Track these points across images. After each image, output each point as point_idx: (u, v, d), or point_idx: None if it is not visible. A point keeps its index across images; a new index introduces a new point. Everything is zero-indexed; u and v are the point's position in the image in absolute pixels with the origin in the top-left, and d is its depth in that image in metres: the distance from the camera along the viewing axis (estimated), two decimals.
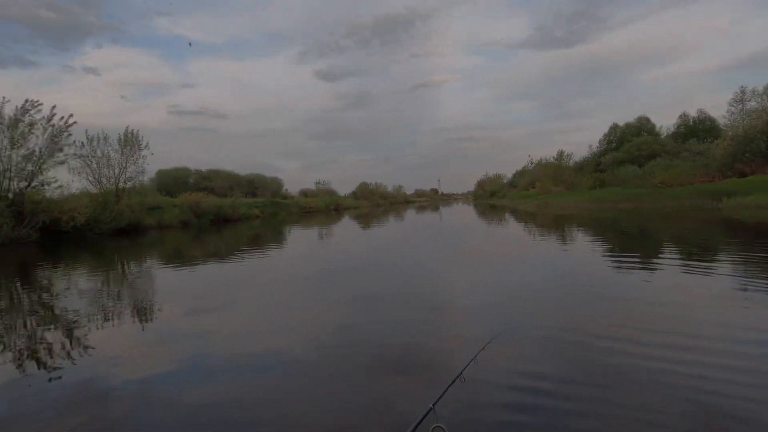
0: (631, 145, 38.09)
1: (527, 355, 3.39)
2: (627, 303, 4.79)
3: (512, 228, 17.68)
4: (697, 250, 8.87)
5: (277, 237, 18.65)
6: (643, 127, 41.74)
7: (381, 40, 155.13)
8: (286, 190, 58.65)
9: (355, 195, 73.53)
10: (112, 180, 24.11)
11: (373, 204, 68.21)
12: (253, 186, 53.47)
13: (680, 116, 40.41)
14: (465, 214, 33.70)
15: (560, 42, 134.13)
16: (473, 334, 3.92)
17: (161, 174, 46.89)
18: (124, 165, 24.43)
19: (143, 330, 4.88)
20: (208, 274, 9.24)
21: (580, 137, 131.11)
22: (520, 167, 69.53)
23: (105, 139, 24.01)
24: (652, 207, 22.83)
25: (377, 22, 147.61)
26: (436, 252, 10.83)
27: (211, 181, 49.85)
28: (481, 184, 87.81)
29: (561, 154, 54.05)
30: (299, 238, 18.55)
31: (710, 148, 29.44)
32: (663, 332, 3.71)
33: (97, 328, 4.87)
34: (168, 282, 8.42)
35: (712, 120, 37.76)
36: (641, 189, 27.75)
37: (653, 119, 43.01)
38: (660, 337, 3.58)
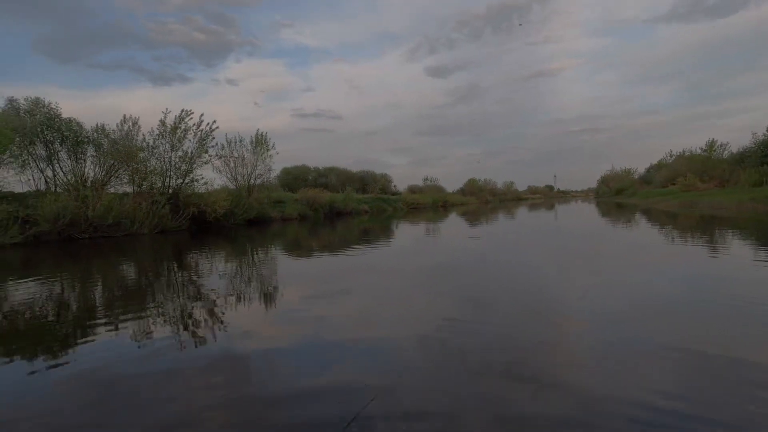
0: None
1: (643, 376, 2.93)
2: None
3: (646, 230, 15.32)
4: None
5: (384, 231, 19.13)
6: None
7: (494, 29, 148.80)
8: (395, 186, 60.19)
9: (462, 191, 72.16)
10: (245, 177, 27.31)
11: (481, 201, 66.16)
12: (364, 182, 56.03)
13: None
14: (585, 212, 30.51)
15: (711, 11, 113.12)
16: (583, 345, 3.69)
17: (285, 171, 51.94)
18: (255, 164, 27.50)
19: (268, 310, 5.46)
20: (323, 263, 9.90)
21: (739, 123, 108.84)
22: (655, 161, 60.69)
23: (240, 141, 27.30)
24: None
25: (490, 10, 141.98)
26: (548, 254, 9.90)
27: (326, 178, 53.62)
28: (605, 180, 78.85)
29: (712, 143, 45.64)
30: (405, 232, 18.78)
31: None
32: None
33: (232, 307, 5.51)
34: (288, 268, 9.26)
35: None
36: None
37: None
38: None
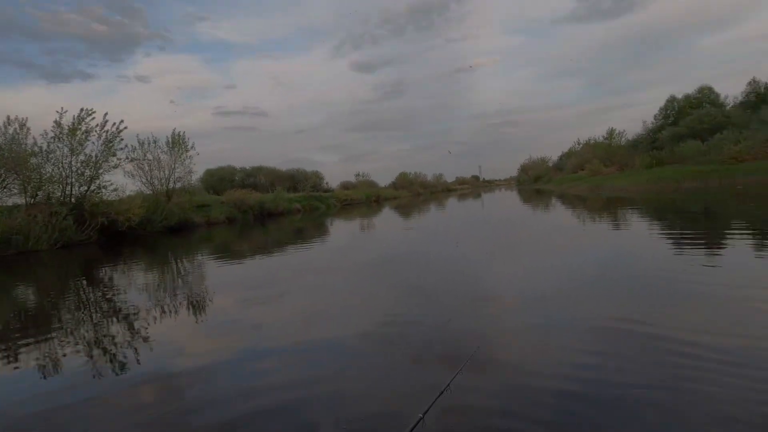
0: (692, 119, 35.01)
1: (572, 348, 3.17)
2: (679, 295, 4.23)
3: (560, 213, 16.72)
4: None
5: (319, 229, 18.78)
6: (705, 98, 38.27)
7: (415, 27, 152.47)
8: (326, 183, 59.41)
9: (394, 185, 73.27)
10: (162, 181, 25.20)
11: (413, 193, 67.68)
12: (294, 181, 54.56)
13: (749, 83, 36.63)
14: (508, 200, 32.54)
15: (607, 13, 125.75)
16: (517, 324, 3.89)
17: (208, 173, 48.86)
18: (173, 166, 25.44)
19: (199, 321, 5.05)
20: (256, 267, 9.42)
21: (633, 114, 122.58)
22: (566, 149, 66.37)
23: (155, 142, 25.08)
24: (720, 185, 20.86)
25: (410, 8, 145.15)
26: (478, 241, 10.42)
27: (255, 178, 51.39)
28: (524, 169, 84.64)
29: (612, 132, 50.91)
30: (340, 229, 18.61)
31: None
32: (720, 333, 3.15)
33: (157, 321, 5.00)
34: (219, 275, 8.64)
35: None
36: (706, 166, 25.46)
37: (716, 89, 39.34)
38: (718, 339, 3.05)
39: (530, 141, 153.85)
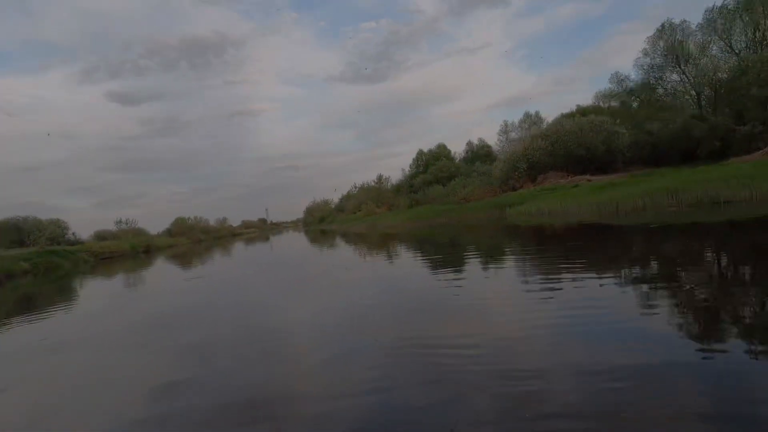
0: (435, 168, 44.38)
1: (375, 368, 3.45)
2: (444, 310, 5.15)
3: (344, 251, 18.01)
4: (493, 252, 10.63)
5: (60, 294, 14.47)
6: (441, 152, 49.30)
7: (190, 64, 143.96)
8: (74, 233, 47.44)
9: (170, 232, 64.61)
10: None
11: (193, 240, 60.98)
12: (21, 233, 41.45)
13: (467, 143, 49.43)
14: (296, 241, 33.10)
15: (369, 78, 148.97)
16: (313, 362, 3.88)
17: None
18: None
19: None
20: None
21: (395, 162, 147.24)
22: (345, 192, 73.14)
23: None
24: (459, 220, 26.77)
25: (184, 44, 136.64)
26: (270, 285, 10.07)
27: None
28: (309, 211, 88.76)
29: (380, 178, 59.22)
30: (97, 289, 14.89)
31: (491, 169, 36.66)
32: (477, 334, 3.96)
33: None
34: None
35: (488, 146, 47.36)
36: (448, 205, 32.37)
37: (449, 146, 51.35)
38: (474, 339, 3.82)
39: (313, 185, 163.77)
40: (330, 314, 5.72)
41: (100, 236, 49.25)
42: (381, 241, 19.73)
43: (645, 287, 5.10)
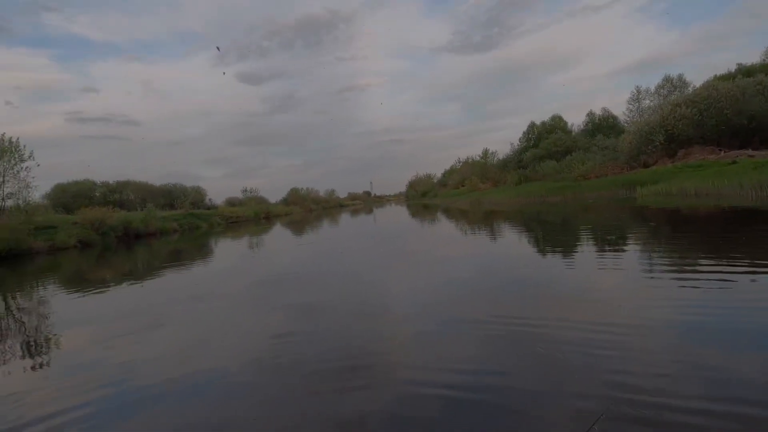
0: (548, 142, 40.68)
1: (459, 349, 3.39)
2: (551, 292, 4.86)
3: (447, 226, 17.53)
4: (611, 237, 9.13)
5: (200, 251, 16.75)
6: (557, 125, 44.90)
7: (304, 42, 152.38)
8: (210, 199, 54.69)
9: (285, 201, 70.88)
10: None
11: (305, 210, 66.13)
12: (171, 197, 49.11)
13: (588, 114, 44.12)
14: (399, 215, 33.54)
15: (478, 47, 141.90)
16: (409, 333, 3.92)
17: (59, 188, 41.27)
18: (1, 180, 20.55)
19: (49, 365, 4.04)
20: (122, 296, 7.84)
21: (503, 136, 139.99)
22: (448, 167, 71.78)
23: None
24: (574, 199, 24.26)
25: (298, 23, 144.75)
26: (373, 255, 10.24)
27: (120, 194, 44.85)
28: (412, 185, 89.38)
29: (486, 152, 56.57)
30: (227, 249, 16.91)
31: (616, 143, 32.25)
32: (585, 321, 3.65)
33: None
34: (71, 309, 6.91)
35: (614, 117, 41.69)
36: (562, 182, 29.52)
37: (565, 118, 46.50)
38: (584, 325, 3.55)
39: (417, 159, 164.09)
40: (429, 289, 5.69)
41: (230, 202, 56.20)
42: (484, 218, 18.81)
43: None
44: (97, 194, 43.25)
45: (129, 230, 26.68)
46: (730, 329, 3.21)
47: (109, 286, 9.18)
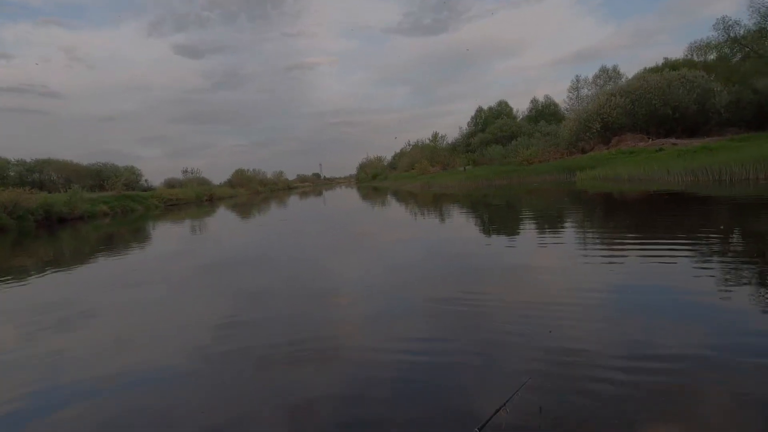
0: (494, 127, 41.93)
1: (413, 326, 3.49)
2: (495, 271, 5.10)
3: (396, 209, 17.58)
4: (552, 219, 9.65)
5: (137, 235, 15.53)
6: (503, 110, 46.35)
7: (248, 15, 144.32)
8: (146, 180, 50.89)
9: (230, 183, 67.71)
10: None
11: (251, 192, 63.63)
12: (102, 178, 45.04)
13: (531, 101, 45.93)
14: (348, 197, 33.23)
15: (428, 29, 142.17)
16: (359, 314, 3.93)
17: None
18: None
19: None
20: (47, 286, 7.03)
21: (451, 120, 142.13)
22: (398, 150, 72.02)
23: None
24: (520, 183, 25.22)
25: None
26: (322, 238, 10.06)
27: (41, 174, 40.50)
28: (362, 167, 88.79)
29: (435, 136, 57.31)
30: (166, 233, 15.83)
31: (557, 129, 33.85)
32: (525, 300, 3.85)
33: None
34: None
35: (555, 105, 43.71)
36: (508, 166, 30.59)
37: (511, 104, 48.05)
38: (522, 303, 3.76)
39: (367, 141, 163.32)
40: (378, 271, 5.75)
41: (169, 184, 52.64)
42: (433, 201, 19.04)
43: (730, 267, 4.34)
44: (11, 173, 38.69)
45: (51, 214, 24.11)
46: (651, 302, 3.52)
47: (29, 275, 8.16)
